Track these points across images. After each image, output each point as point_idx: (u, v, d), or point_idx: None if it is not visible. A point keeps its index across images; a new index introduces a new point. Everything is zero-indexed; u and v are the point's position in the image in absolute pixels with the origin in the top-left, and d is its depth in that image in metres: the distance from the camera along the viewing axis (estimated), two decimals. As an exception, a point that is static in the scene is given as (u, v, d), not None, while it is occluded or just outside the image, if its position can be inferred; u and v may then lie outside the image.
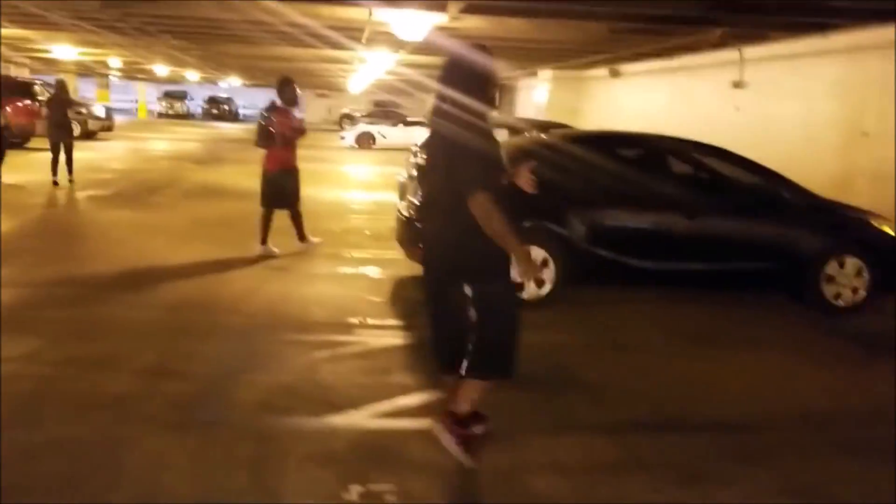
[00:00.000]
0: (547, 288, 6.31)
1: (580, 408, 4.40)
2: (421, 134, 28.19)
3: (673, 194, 6.64)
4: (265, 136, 7.74)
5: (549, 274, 6.29)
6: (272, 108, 7.81)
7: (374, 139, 27.72)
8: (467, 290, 3.37)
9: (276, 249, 7.97)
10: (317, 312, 5.98)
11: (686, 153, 6.98)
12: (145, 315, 5.67)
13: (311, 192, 9.80)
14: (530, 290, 6.22)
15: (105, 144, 21.36)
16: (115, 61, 27.02)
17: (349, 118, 42.21)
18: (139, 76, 40.18)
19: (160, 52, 21.17)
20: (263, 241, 7.95)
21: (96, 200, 11.54)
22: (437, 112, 3.44)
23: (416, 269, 7.36)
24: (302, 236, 8.27)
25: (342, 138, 27.77)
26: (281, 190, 7.88)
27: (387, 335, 5.51)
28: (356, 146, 26.77)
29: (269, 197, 7.91)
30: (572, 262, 6.32)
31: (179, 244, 8.36)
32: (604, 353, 5.44)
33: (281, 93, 7.86)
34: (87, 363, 4.63)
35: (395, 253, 8.34)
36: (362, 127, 28.14)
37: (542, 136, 7.54)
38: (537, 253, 6.24)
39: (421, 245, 6.33)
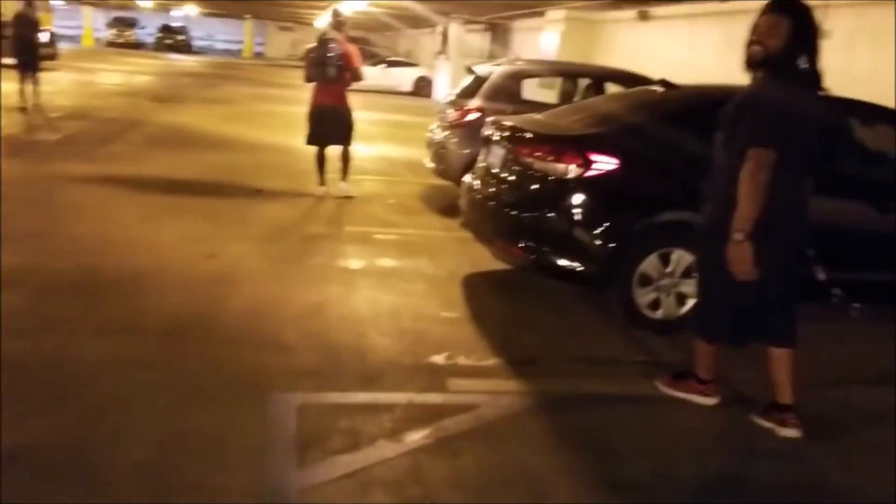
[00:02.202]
0: (689, 305, 4.49)
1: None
2: (405, 76, 26.05)
3: (869, 176, 4.89)
4: (318, 69, 7.25)
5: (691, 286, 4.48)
6: (327, 39, 7.30)
7: (350, 80, 25.34)
8: (811, 252, 3.34)
9: (348, 188, 7.65)
10: (378, 343, 4.06)
11: (872, 119, 5.16)
12: (122, 352, 3.68)
13: (300, 144, 7.81)
14: (667, 306, 4.45)
15: (49, 76, 18.57)
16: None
17: (315, 54, 39.37)
18: (85, 0, 36.71)
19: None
20: (321, 182, 7.60)
21: (42, 149, 9.26)
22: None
23: (481, 261, 5.51)
24: (344, 176, 7.67)
25: (315, 77, 25.26)
26: (331, 125, 7.41)
27: (498, 389, 3.64)
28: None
29: (317, 134, 7.46)
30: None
31: (155, 217, 6.30)
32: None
33: (335, 24, 7.48)
34: (44, 467, 2.68)
35: (437, 231, 6.54)
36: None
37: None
38: (680, 257, 4.44)
39: (526, 242, 4.53)
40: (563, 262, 4.43)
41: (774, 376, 3.38)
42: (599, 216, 4.40)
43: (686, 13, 12.95)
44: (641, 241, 4.42)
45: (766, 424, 3.42)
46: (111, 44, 40.79)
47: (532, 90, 8.54)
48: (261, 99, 18.26)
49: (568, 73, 7.87)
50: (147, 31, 44.80)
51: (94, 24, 42.82)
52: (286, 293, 4.71)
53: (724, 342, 3.50)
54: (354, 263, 5.49)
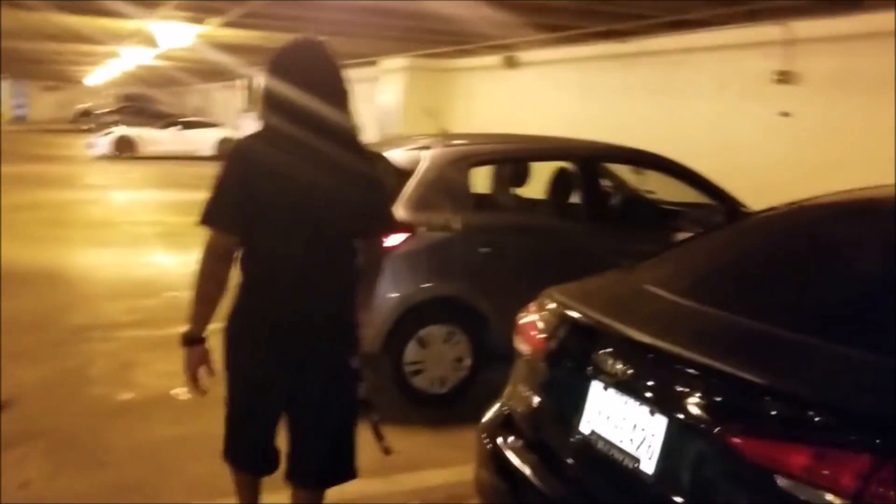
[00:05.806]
0: None
1: None
2: (204, 138, 22.34)
3: None
4: None
5: None
6: None
7: (136, 146, 21.18)
8: (354, 362, 2.43)
9: None
10: None
11: None
12: None
13: (77, 258, 4.90)
14: None
15: None
16: None
17: (88, 115, 34.23)
18: None
19: None
20: None
21: None
22: None
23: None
24: None
25: (92, 146, 20.85)
26: None
27: None
28: (117, 154, 20.35)
29: None
30: None
31: None
32: None
33: None
34: None
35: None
36: (120, 130, 21.41)
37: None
38: None
39: None
40: None
41: None
42: None
43: (572, 57, 10.68)
44: None
45: None
46: None
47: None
48: (24, 182, 13.76)
49: (541, 154, 4.95)
50: None
51: None
52: None
53: (247, 471, 2.51)
54: None
